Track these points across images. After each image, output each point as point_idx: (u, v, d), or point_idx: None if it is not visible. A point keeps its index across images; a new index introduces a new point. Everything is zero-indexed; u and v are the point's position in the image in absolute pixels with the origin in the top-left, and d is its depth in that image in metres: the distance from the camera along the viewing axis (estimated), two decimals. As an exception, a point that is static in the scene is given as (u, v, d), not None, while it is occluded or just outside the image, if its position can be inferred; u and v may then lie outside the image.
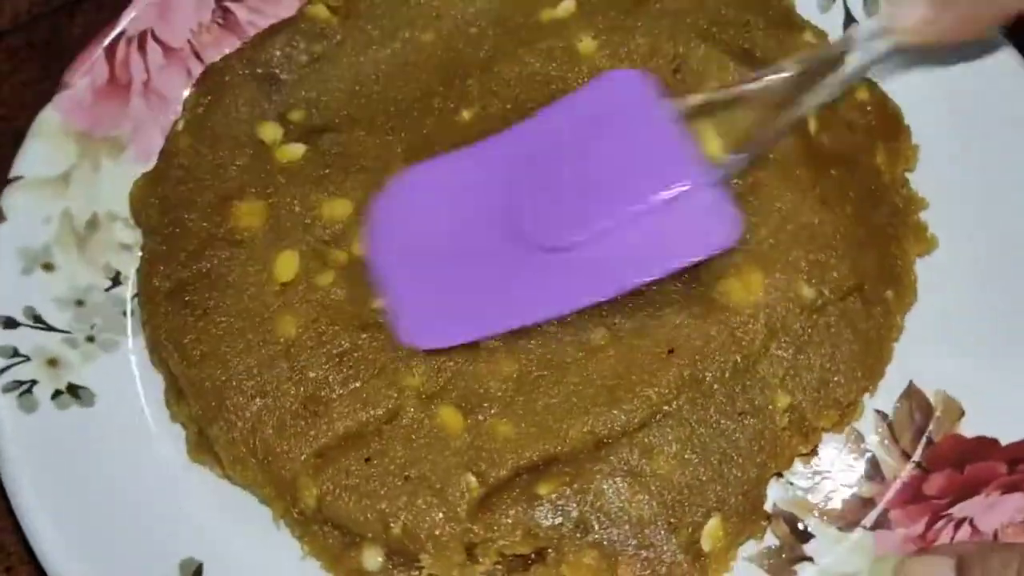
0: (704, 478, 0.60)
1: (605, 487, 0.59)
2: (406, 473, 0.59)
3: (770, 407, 0.61)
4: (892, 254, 0.65)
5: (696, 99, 0.63)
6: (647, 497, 0.59)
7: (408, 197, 0.64)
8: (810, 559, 0.61)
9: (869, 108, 0.67)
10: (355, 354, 0.62)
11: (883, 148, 0.67)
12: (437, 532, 0.59)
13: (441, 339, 0.62)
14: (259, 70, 0.69)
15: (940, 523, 0.60)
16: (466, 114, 0.67)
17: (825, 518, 0.62)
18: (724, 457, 0.60)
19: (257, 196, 0.65)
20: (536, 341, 0.62)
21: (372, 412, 0.61)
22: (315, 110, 0.68)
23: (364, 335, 0.62)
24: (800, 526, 0.62)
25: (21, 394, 0.63)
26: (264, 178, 0.66)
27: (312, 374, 0.62)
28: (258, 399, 0.61)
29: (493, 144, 0.64)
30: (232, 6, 0.74)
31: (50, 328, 0.66)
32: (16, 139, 0.70)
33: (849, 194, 0.64)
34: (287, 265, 0.64)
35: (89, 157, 0.70)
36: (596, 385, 0.61)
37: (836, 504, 0.62)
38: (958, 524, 0.60)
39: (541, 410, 0.60)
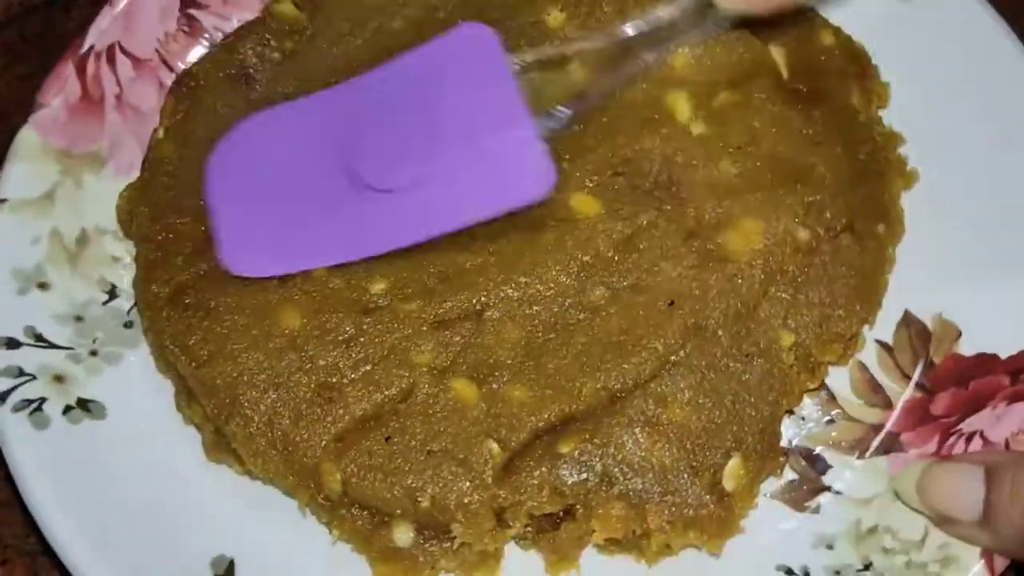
0: (720, 420, 0.61)
1: (625, 439, 0.60)
2: (428, 448, 0.60)
3: (775, 347, 0.62)
4: (878, 190, 0.66)
5: (532, 54, 0.65)
6: (666, 444, 0.60)
7: (251, 140, 0.67)
8: (829, 488, 0.62)
9: (836, 52, 0.69)
10: (361, 338, 0.62)
11: (856, 88, 0.68)
12: (466, 501, 0.59)
13: (259, 268, 0.64)
14: (233, 71, 0.70)
15: (951, 439, 0.62)
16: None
17: (839, 448, 0.63)
18: (737, 398, 0.61)
19: None
20: (538, 307, 0.63)
21: (386, 393, 0.61)
22: None
23: (367, 319, 0.63)
24: (816, 458, 0.63)
25: (32, 412, 0.63)
26: None
27: (322, 362, 0.62)
28: (271, 392, 0.62)
29: (339, 90, 0.67)
30: (196, 13, 0.74)
31: (52, 345, 0.66)
32: (14, 135, 0.69)
33: (836, 134, 0.66)
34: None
35: (71, 174, 0.70)
36: (603, 343, 0.62)
37: (848, 434, 0.64)
38: (969, 438, 0.62)
39: (552, 372, 0.61)
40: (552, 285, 0.63)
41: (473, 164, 0.62)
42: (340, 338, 0.63)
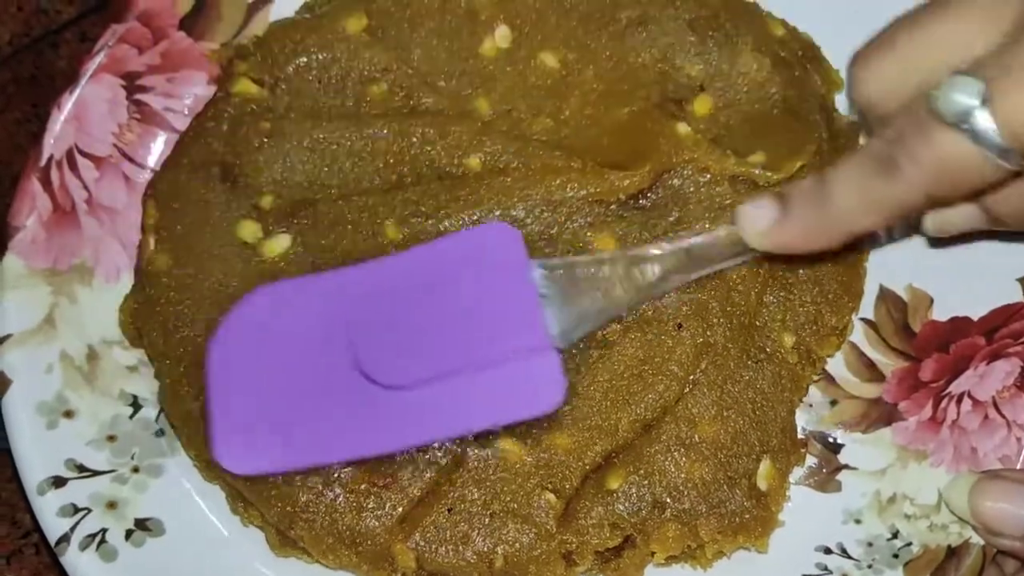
0: (745, 428, 0.66)
1: (667, 464, 0.65)
2: (490, 510, 0.64)
3: (780, 349, 0.68)
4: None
5: (558, 262, 0.66)
6: (703, 462, 0.65)
7: (254, 319, 0.66)
8: (846, 466, 0.69)
9: (788, 41, 0.73)
10: None
11: (815, 72, 0.72)
12: (536, 553, 0.64)
13: (252, 464, 0.63)
14: (215, 169, 0.70)
15: (943, 402, 0.69)
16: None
17: (847, 427, 0.70)
18: (756, 405, 0.67)
19: None
20: None
21: (438, 467, 0.65)
22: (284, 190, 0.69)
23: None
24: (830, 441, 0.69)
25: (98, 546, 0.65)
26: (259, 279, 0.67)
27: (368, 452, 0.65)
28: (327, 491, 0.64)
29: (352, 272, 0.66)
30: (144, 98, 0.73)
31: (96, 472, 0.67)
32: (14, 182, 0.70)
33: (818, 134, 0.70)
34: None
35: (63, 292, 0.70)
36: (626, 376, 0.66)
37: (852, 411, 0.70)
38: (959, 399, 0.69)
39: (587, 412, 0.66)
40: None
41: (485, 373, 0.63)
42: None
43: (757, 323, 0.68)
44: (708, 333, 0.67)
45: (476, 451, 0.65)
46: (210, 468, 0.66)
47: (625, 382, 0.66)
